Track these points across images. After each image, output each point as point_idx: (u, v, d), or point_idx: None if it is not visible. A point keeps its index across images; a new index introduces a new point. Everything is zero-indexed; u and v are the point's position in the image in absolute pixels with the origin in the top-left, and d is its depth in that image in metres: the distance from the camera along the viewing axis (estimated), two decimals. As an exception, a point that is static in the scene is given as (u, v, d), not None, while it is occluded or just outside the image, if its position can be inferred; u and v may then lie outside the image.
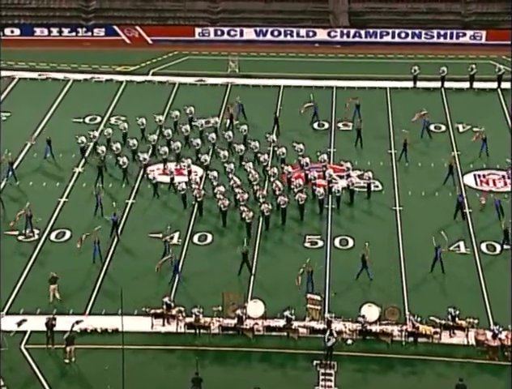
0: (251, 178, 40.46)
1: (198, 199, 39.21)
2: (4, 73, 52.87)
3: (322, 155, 42.49)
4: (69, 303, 33.35)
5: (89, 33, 58.92)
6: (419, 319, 31.77)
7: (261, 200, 38.72)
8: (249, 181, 40.52)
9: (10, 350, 31.07)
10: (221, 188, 39.71)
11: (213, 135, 44.38)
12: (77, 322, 31.86)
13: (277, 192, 39.43)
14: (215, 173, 40.79)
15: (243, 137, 44.45)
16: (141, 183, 41.84)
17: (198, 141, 43.75)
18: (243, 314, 32.17)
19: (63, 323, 31.49)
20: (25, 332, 31.98)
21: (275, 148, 43.53)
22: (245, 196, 39.00)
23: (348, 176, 41.24)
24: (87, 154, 43.75)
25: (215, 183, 40.17)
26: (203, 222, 38.92)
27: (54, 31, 58.61)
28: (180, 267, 35.13)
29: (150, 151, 43.60)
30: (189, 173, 41.73)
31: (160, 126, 45.31)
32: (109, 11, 60.10)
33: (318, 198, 39.38)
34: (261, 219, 38.43)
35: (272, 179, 40.52)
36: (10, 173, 41.65)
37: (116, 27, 58.80)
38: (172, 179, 41.20)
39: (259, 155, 42.61)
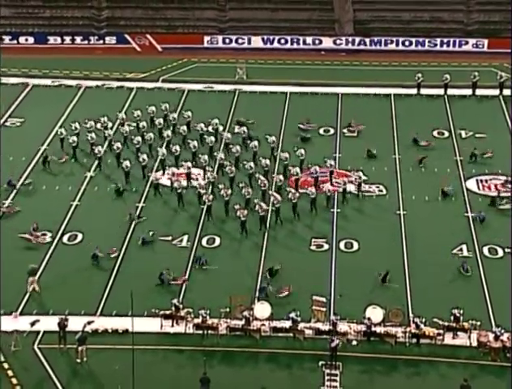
0: (228, 171, 40.90)
1: (208, 203, 39.19)
2: (18, 80, 53.04)
3: (299, 149, 42.68)
4: (81, 304, 33.36)
5: (101, 41, 59.03)
6: (423, 320, 31.71)
7: (255, 201, 38.80)
8: (225, 173, 41.03)
9: (23, 350, 31.14)
10: (201, 182, 40.19)
11: (184, 128, 45.24)
12: (88, 323, 31.90)
13: (263, 188, 39.54)
14: (189, 164, 41.56)
15: (214, 130, 45.05)
16: (150, 187, 41.90)
17: (169, 133, 44.83)
18: (250, 315, 32.12)
19: (75, 324, 31.57)
20: (38, 332, 32.01)
21: (248, 141, 43.97)
22: (229, 192, 39.27)
23: (332, 173, 41.44)
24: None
25: (195, 178, 40.78)
26: (212, 225, 38.90)
27: (67, 39, 58.74)
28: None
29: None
30: (162, 161, 42.34)
31: (138, 122, 46.04)
32: (121, 20, 60.22)
33: (311, 196, 39.34)
34: (270, 217, 38.41)
35: (260, 178, 40.55)
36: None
37: (127, 36, 58.91)
38: (144, 167, 41.92)
39: (231, 146, 43.18)
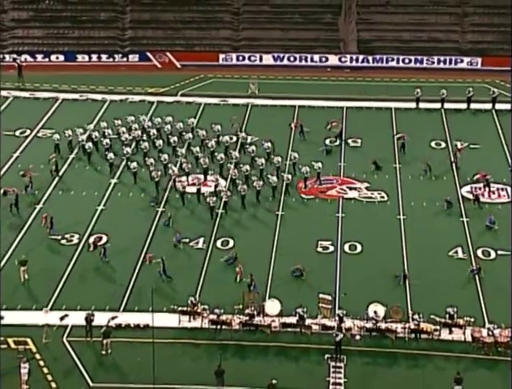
0: (202, 162, 42.57)
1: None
2: (49, 94, 53.38)
3: (266, 143, 44.33)
4: (105, 301, 33.54)
5: (125, 59, 59.29)
6: (422, 316, 31.67)
7: (220, 188, 40.41)
8: (200, 164, 42.63)
9: (53, 342, 31.33)
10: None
11: (168, 127, 46.57)
12: (112, 318, 32.07)
13: (233, 177, 41.27)
14: (165, 156, 43.11)
15: (191, 129, 46.49)
16: (170, 192, 42.01)
17: (154, 131, 46.33)
18: (261, 312, 32.15)
19: (100, 319, 31.76)
20: (67, 326, 32.22)
21: (221, 137, 45.45)
22: (201, 179, 41.21)
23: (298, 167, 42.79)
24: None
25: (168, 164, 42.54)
26: (226, 228, 38.98)
27: (94, 57, 59.05)
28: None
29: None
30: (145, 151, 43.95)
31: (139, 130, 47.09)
32: (143, 39, 60.50)
33: (272, 185, 40.82)
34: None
35: (229, 166, 42.28)
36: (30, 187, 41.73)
37: (148, 54, 59.17)
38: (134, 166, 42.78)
39: (207, 141, 44.73)
